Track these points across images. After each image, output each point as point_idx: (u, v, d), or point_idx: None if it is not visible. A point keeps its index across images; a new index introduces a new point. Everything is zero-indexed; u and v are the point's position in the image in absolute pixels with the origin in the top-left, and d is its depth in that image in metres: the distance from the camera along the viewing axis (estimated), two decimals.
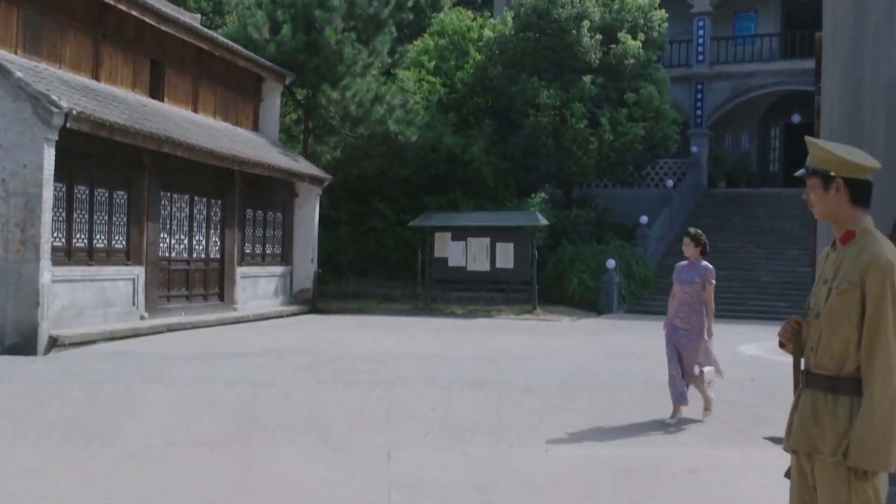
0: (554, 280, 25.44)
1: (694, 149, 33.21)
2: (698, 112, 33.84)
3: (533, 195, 27.26)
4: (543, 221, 24.26)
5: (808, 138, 3.54)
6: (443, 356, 14.32)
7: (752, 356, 15.40)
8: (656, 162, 30.58)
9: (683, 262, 9.51)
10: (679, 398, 9.16)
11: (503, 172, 28.05)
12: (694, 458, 7.48)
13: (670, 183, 30.92)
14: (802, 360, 3.68)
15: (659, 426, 8.96)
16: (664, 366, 9.38)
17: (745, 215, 30.34)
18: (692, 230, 9.57)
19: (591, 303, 24.71)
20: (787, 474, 3.88)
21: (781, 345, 3.77)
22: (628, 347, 16.41)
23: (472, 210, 26.72)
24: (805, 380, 3.59)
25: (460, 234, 24.48)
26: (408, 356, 14.36)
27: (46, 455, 7.03)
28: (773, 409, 9.71)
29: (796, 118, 33.00)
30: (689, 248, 9.40)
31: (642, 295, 25.72)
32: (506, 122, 28.31)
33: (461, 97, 30.32)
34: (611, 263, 24.64)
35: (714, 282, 9.39)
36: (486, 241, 24.22)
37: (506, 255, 24.14)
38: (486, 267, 24.39)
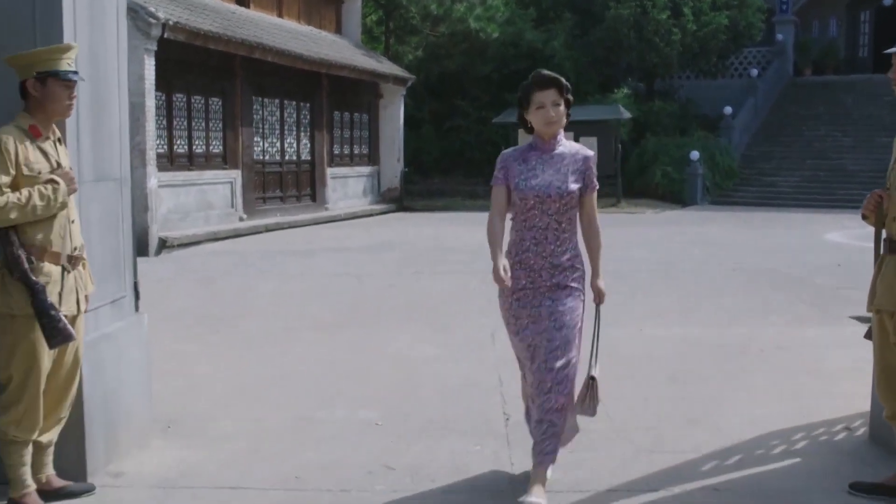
0: (638, 173, 25.55)
1: (779, 36, 32.46)
2: None
3: (616, 89, 27.17)
4: (627, 115, 24.26)
5: None
6: None
7: (839, 243, 15.54)
8: (740, 51, 30.05)
9: (522, 148, 4.68)
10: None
11: (585, 66, 27.94)
12: (782, 337, 7.87)
13: (755, 72, 30.43)
14: (884, 231, 4.03)
15: (747, 307, 9.34)
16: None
17: (831, 103, 29.75)
18: (552, 74, 4.41)
19: (674, 195, 24.80)
20: (868, 335, 4.26)
21: (864, 217, 4.11)
22: (713, 237, 16.65)
23: None
24: (888, 247, 3.94)
25: None
26: None
27: (183, 339, 7.74)
28: (859, 291, 9.96)
29: (888, 0, 31.95)
30: (547, 112, 4.39)
31: (727, 186, 25.72)
32: (586, 16, 28.04)
33: None
34: (694, 155, 24.61)
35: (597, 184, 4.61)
36: (570, 135, 23.86)
37: (590, 149, 24.22)
38: None
